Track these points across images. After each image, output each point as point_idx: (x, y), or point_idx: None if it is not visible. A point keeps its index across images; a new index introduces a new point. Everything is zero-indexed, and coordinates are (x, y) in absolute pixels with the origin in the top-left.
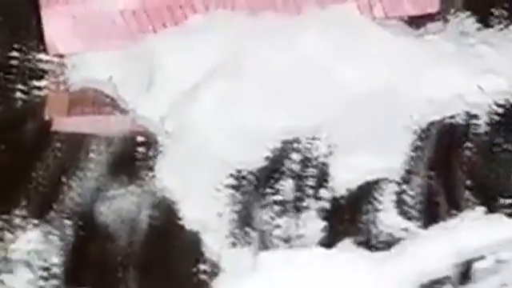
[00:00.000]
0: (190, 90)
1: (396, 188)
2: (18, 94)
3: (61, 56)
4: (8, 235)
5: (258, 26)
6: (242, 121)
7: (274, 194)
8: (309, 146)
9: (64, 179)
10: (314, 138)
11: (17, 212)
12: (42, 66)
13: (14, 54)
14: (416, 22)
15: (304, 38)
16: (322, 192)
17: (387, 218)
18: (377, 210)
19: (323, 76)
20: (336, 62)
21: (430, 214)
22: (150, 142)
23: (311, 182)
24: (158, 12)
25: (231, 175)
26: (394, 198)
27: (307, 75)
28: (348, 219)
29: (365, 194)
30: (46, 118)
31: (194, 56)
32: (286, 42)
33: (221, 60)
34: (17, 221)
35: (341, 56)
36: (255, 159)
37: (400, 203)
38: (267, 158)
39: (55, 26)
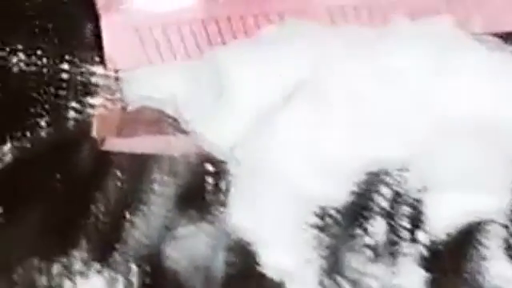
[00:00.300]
0: (265, 112)
1: (504, 232)
2: (71, 113)
3: (116, 70)
4: (67, 283)
5: (341, 40)
6: (323, 149)
7: (364, 235)
8: (399, 179)
9: (127, 215)
10: (404, 170)
11: (76, 254)
12: (95, 80)
13: (65, 66)
14: (509, 37)
15: (392, 53)
16: (418, 235)
17: (496, 267)
18: (483, 258)
19: (415, 98)
20: (429, 81)
21: None
22: (220, 172)
23: (405, 222)
24: (227, 22)
25: (315, 213)
26: (503, 243)
27: (396, 97)
28: (450, 268)
29: (468, 238)
30: (96, 137)
31: (268, 72)
32: (372, 59)
33: (299, 78)
34: (77, 266)
35: (435, 75)
36: (340, 194)
37: (510, 250)
38: (353, 193)
39: (115, 37)
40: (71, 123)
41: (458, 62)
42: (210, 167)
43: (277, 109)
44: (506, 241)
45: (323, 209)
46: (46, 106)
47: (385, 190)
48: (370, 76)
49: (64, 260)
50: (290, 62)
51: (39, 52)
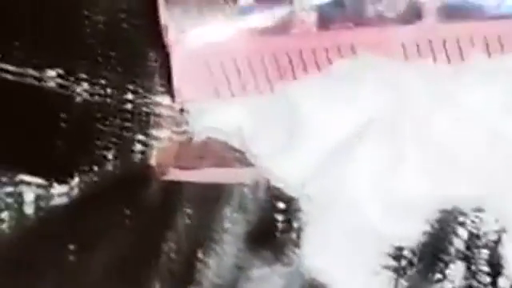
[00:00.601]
0: (337, 148)
1: None
2: (137, 146)
3: (182, 101)
4: None
5: (416, 75)
6: (396, 186)
7: (443, 280)
8: (475, 219)
9: (200, 254)
10: (480, 210)
11: None
12: (161, 111)
13: (129, 96)
14: None
15: (469, 91)
16: (499, 280)
17: None
18: None
19: (491, 137)
20: (506, 119)
21: None
22: (291, 209)
23: (484, 266)
24: (298, 55)
25: (389, 254)
26: None
27: (472, 135)
28: None
29: None
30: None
31: (340, 108)
32: (448, 96)
33: (372, 115)
34: None
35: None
36: (414, 233)
37: None
38: (427, 233)
39: (184, 70)
40: (137, 156)
41: None
42: (280, 204)
43: (349, 145)
44: None
45: (398, 249)
46: (112, 139)
47: (461, 230)
48: (444, 112)
49: None
50: (363, 98)
51: (103, 81)
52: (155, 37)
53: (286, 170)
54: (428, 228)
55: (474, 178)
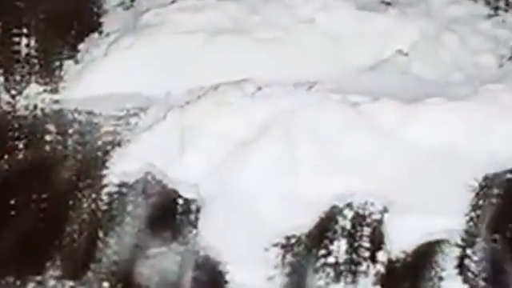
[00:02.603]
0: (234, 151)
1: (458, 252)
2: (47, 137)
3: None
4: None
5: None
6: (291, 185)
7: (326, 255)
8: (362, 201)
9: (100, 235)
10: (367, 194)
11: (51, 272)
12: None
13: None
14: None
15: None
16: (378, 254)
17: (451, 285)
18: (439, 278)
19: (379, 138)
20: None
21: (497, 283)
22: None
23: (365, 242)
24: None
25: (280, 235)
26: (457, 262)
27: (363, 137)
28: (407, 285)
29: (424, 258)
30: None
31: (234, 114)
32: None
33: (266, 119)
34: (51, 283)
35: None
36: (305, 224)
37: (463, 269)
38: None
39: None
40: (47, 146)
41: None
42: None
43: (245, 148)
44: (460, 261)
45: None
46: (24, 130)
47: (347, 211)
48: (337, 117)
49: (38, 278)
50: (256, 104)
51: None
52: None
53: (178, 175)
54: (321, 215)
55: (362, 175)
